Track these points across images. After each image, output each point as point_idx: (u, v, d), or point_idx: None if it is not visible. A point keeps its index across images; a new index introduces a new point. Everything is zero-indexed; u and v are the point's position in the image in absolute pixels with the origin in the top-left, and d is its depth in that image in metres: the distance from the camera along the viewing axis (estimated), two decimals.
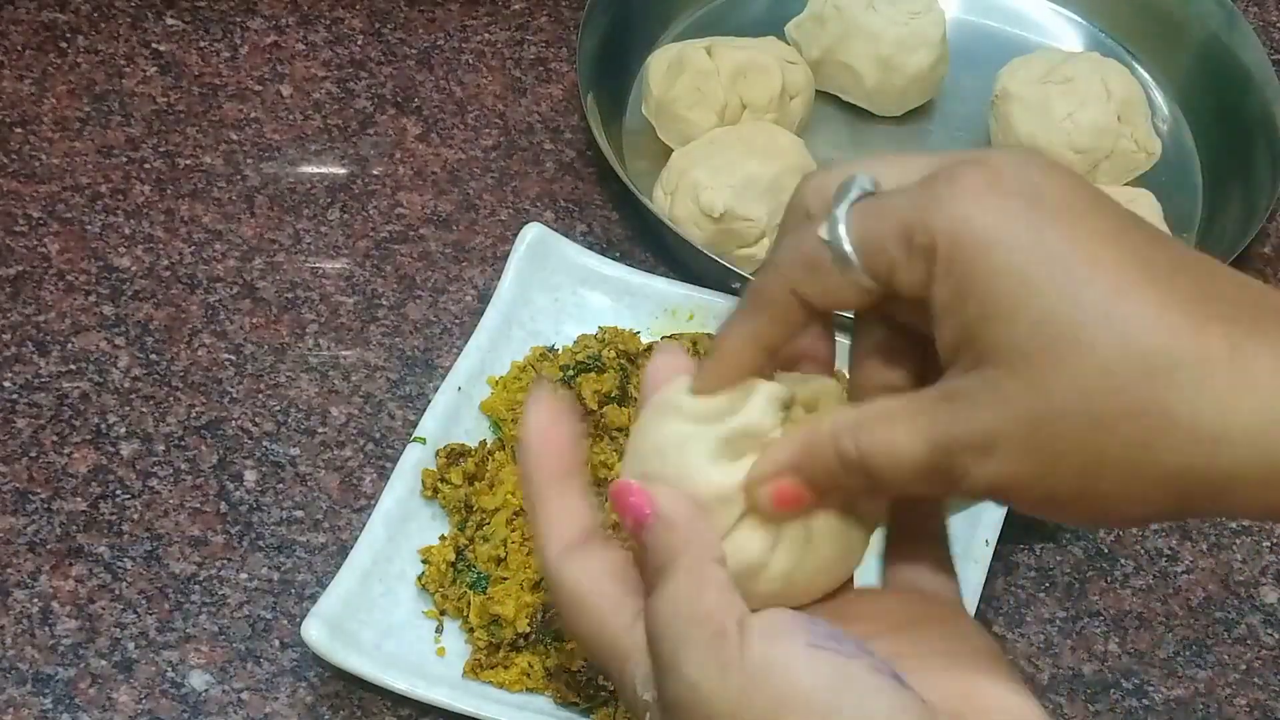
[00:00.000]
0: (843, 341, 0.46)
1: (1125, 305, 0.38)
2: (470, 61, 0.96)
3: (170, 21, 0.95)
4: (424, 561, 0.71)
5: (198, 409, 0.78)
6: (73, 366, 0.78)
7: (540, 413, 0.46)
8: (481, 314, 0.80)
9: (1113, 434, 0.38)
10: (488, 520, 0.72)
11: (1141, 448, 0.38)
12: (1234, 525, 0.81)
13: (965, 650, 0.43)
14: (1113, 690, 0.74)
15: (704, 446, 0.44)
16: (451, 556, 0.71)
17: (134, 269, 0.83)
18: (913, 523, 0.48)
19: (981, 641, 0.44)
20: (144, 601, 0.71)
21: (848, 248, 0.41)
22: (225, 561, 0.73)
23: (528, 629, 0.68)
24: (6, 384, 0.77)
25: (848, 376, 0.46)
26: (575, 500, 0.45)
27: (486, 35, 0.98)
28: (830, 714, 0.38)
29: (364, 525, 0.71)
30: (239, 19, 0.96)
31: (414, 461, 0.73)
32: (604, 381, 0.75)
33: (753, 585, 0.43)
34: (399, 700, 0.68)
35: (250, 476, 0.76)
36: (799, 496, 0.43)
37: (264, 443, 0.77)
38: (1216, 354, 0.38)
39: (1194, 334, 0.38)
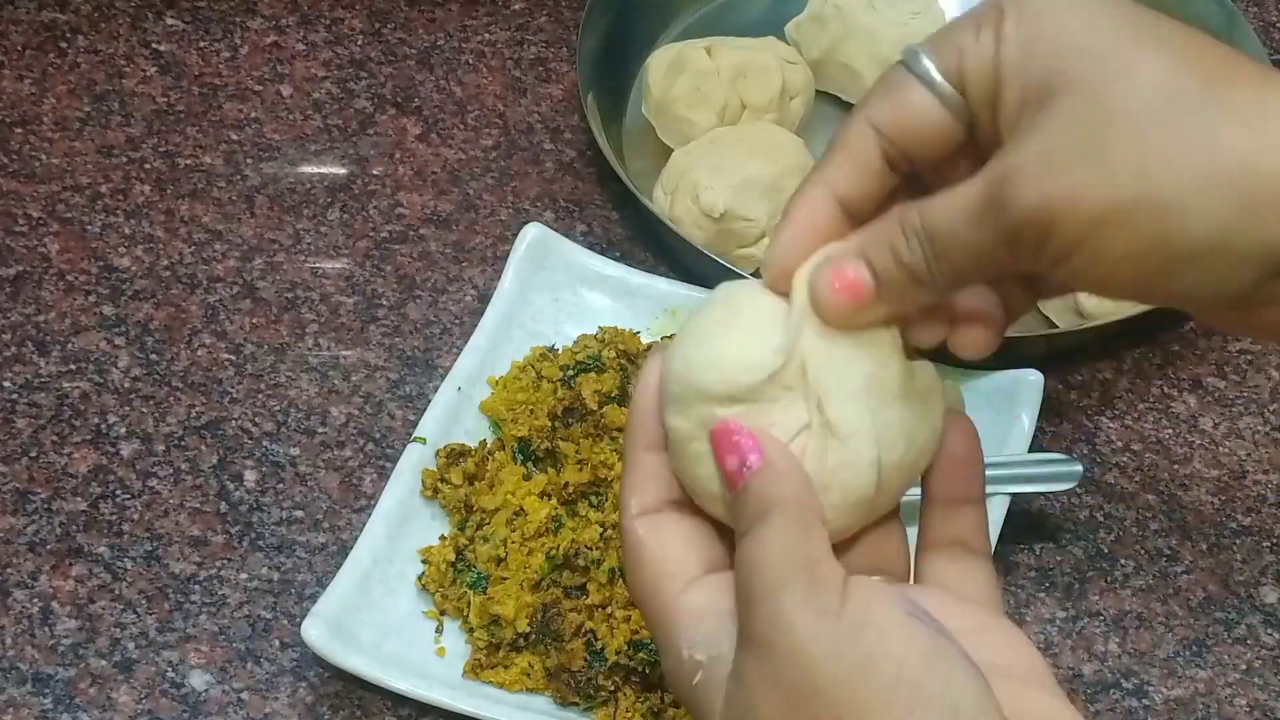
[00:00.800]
0: None
1: (1193, 44, 0.40)
2: (470, 61, 0.97)
3: (170, 21, 0.95)
4: (424, 561, 0.71)
5: (198, 409, 0.78)
6: (73, 366, 0.78)
7: (653, 375, 0.45)
8: (481, 314, 0.80)
9: (1174, 130, 0.38)
10: (488, 520, 0.72)
11: (1201, 140, 0.38)
12: (1234, 525, 0.81)
13: (1017, 663, 0.43)
14: (1113, 690, 0.74)
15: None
16: (451, 556, 0.71)
17: (134, 269, 0.83)
18: (948, 515, 0.47)
19: (1030, 656, 0.44)
20: (144, 601, 0.71)
21: (919, 49, 0.43)
22: (225, 561, 0.73)
23: (528, 629, 0.68)
24: (6, 384, 0.77)
25: None
26: (665, 469, 0.45)
27: (486, 35, 0.98)
28: (917, 684, 0.39)
29: (364, 525, 0.71)
30: (239, 19, 0.96)
31: (414, 461, 0.73)
32: (604, 381, 0.75)
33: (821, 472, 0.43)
34: (399, 700, 0.68)
35: (250, 476, 0.76)
36: (860, 287, 0.43)
37: (264, 443, 0.77)
38: (1273, 80, 0.39)
39: (1254, 68, 0.39)
